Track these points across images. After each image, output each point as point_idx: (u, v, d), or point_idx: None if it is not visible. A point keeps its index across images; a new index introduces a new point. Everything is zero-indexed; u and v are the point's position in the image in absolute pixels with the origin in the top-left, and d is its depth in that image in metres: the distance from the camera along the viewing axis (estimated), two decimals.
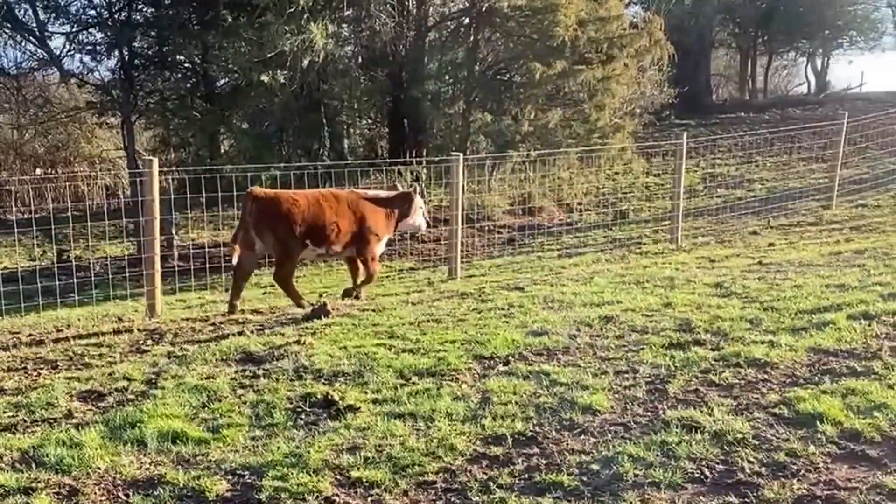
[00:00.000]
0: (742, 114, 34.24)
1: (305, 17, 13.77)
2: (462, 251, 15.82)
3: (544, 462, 4.35)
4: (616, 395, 5.18)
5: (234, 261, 9.53)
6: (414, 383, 5.67)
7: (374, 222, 9.76)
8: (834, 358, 5.57)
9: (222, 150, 18.38)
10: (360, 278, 9.96)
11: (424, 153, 17.45)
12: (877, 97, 39.87)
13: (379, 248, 10.04)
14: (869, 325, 6.18)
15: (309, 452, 4.57)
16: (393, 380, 5.76)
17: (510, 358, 6.11)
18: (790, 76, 48.01)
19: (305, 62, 13.88)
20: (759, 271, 8.72)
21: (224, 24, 14.13)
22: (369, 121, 19.03)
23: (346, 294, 9.88)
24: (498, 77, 17.90)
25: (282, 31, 13.48)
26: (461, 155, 11.83)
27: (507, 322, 7.24)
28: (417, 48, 16.95)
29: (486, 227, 18.26)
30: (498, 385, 5.47)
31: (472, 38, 17.66)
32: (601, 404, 5.02)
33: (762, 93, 41.78)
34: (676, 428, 4.58)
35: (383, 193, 10.44)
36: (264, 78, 13.68)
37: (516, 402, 5.15)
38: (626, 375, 5.54)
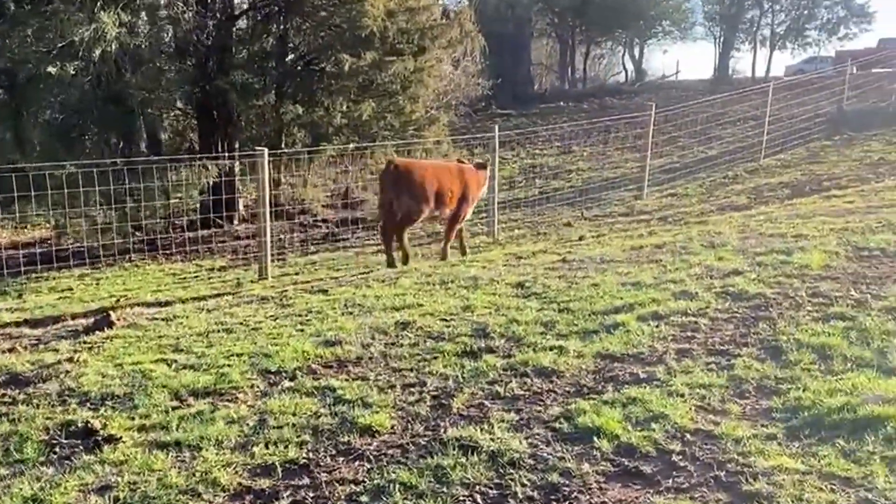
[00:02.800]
0: (562, 103, 35.05)
1: (98, 4, 12.93)
2: (278, 248, 15.43)
3: (312, 495, 4.06)
4: (400, 413, 4.95)
5: (381, 225, 11.66)
6: (189, 405, 5.28)
7: (473, 188, 11.82)
8: (619, 364, 5.52)
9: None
10: (446, 237, 12.03)
11: (237, 146, 16.86)
12: (689, 85, 41.71)
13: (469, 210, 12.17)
14: (657, 327, 6.19)
15: (52, 496, 4.12)
16: (166, 402, 5.34)
17: (297, 372, 5.79)
18: (610, 65, 49.59)
19: (97, 53, 13.03)
20: (561, 269, 8.71)
21: (8, 11, 13.15)
22: (178, 112, 18.20)
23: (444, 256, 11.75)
24: (311, 67, 17.46)
25: (72, 21, 12.60)
26: (266, 150, 11.41)
27: (301, 331, 6.92)
28: (222, 37, 16.29)
29: (306, 222, 17.89)
30: (279, 404, 5.15)
31: (282, 27, 17.15)
32: (382, 424, 4.77)
33: (581, 82, 42.91)
34: (454, 449, 4.37)
35: (471, 165, 12.42)
36: (51, 69, 12.77)
37: (294, 425, 4.84)
38: (413, 389, 5.32)
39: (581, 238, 12.57)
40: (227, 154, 14.44)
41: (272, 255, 13.48)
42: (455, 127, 24.13)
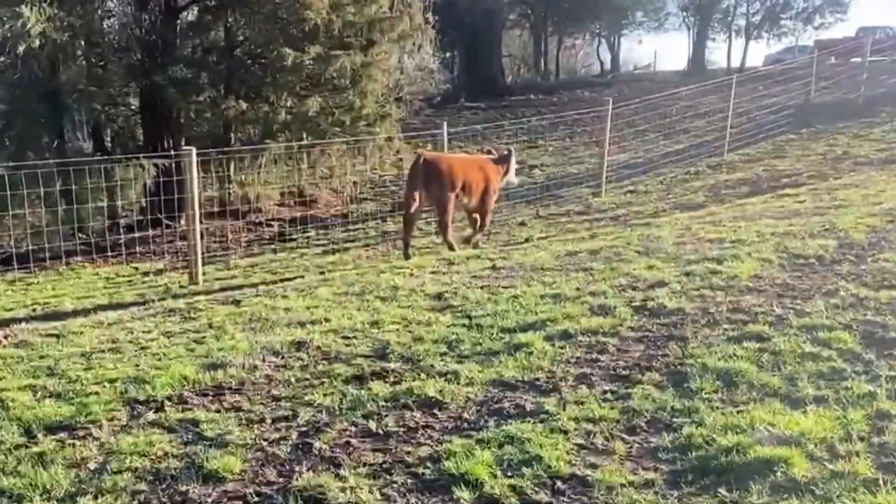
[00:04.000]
0: (532, 96, 34.53)
1: None
2: (222, 248, 14.95)
3: None
4: (256, 454, 4.48)
5: (404, 215, 12.17)
6: (37, 443, 4.79)
7: (494, 179, 12.38)
8: (511, 392, 5.06)
9: None
10: (477, 227, 12.44)
11: (183, 143, 16.35)
12: (664, 77, 41.28)
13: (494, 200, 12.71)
14: (563, 348, 5.73)
15: None
16: (13, 439, 4.85)
17: (167, 402, 5.30)
18: (586, 56, 49.16)
19: (21, 49, 12.48)
20: (488, 278, 8.27)
21: None
22: (122, 109, 17.63)
23: (466, 241, 12.32)
24: (259, 62, 16.93)
25: None
26: (193, 149, 10.96)
27: (192, 350, 6.44)
28: (162, 31, 15.73)
29: (257, 221, 17.44)
30: (130, 443, 4.65)
31: (229, 20, 16.61)
32: (231, 468, 4.29)
33: (554, 74, 42.42)
34: (297, 503, 3.92)
35: (493, 156, 13.03)
36: None
37: (136, 469, 4.35)
38: (281, 423, 4.85)
39: (527, 240, 12.17)
40: (162, 153, 13.89)
41: (208, 257, 13.05)
42: (422, 121, 23.66)
